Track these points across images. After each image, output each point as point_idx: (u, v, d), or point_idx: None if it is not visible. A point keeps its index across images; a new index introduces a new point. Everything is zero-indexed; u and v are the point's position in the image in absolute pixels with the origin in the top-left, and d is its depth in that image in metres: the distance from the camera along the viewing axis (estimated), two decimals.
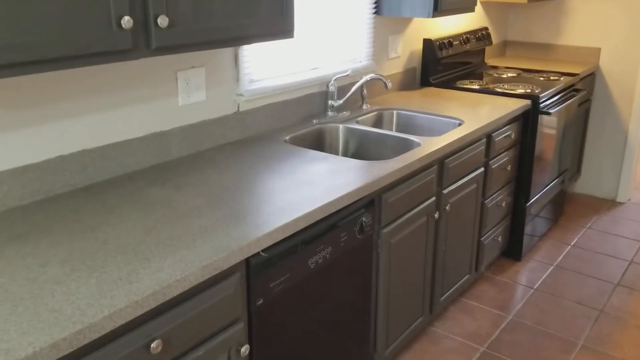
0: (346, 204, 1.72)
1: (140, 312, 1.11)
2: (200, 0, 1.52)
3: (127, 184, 1.73)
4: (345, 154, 2.52)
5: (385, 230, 2.00)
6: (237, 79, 2.18)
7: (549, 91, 3.10)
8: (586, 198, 4.03)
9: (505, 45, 4.24)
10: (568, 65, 3.82)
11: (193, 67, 1.99)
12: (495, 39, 4.09)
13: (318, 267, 1.66)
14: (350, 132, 2.50)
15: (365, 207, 1.87)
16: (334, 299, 1.79)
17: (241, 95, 2.20)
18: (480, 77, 3.51)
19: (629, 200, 3.99)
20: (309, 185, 1.75)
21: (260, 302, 1.44)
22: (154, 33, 1.42)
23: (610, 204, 3.94)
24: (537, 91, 3.06)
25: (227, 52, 2.12)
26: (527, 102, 2.94)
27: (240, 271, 1.38)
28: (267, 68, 2.36)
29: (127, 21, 1.34)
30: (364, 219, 1.86)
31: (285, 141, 2.25)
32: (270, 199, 1.63)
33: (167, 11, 1.44)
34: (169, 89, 1.93)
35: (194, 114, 2.04)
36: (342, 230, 1.75)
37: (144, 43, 1.42)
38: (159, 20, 1.42)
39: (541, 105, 2.99)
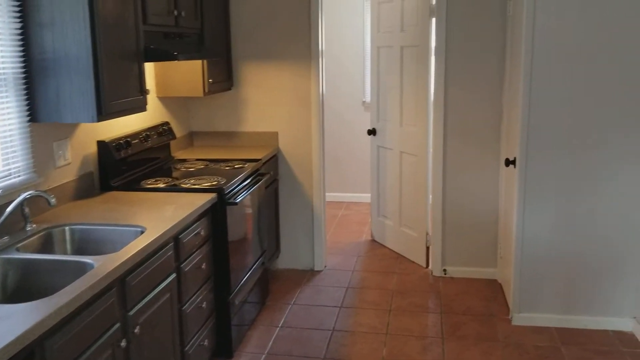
0: None
1: None
2: None
3: None
4: (4, 294, 2.08)
5: None
6: None
7: (234, 180, 3.16)
8: (289, 272, 4.22)
9: (192, 136, 4.28)
10: (253, 150, 4.02)
11: None
12: (181, 131, 4.09)
13: None
14: (8, 263, 2.09)
15: None
16: None
17: None
18: (168, 172, 3.42)
19: (325, 267, 4.32)
20: None
21: None
22: None
23: (310, 274, 4.20)
24: (222, 182, 3.09)
25: None
26: (213, 195, 2.93)
27: None
28: None
29: None
30: None
31: None
32: None
33: None
34: None
35: None
36: None
37: None
38: None
39: (227, 195, 3.01)
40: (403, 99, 4.41)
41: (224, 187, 3.01)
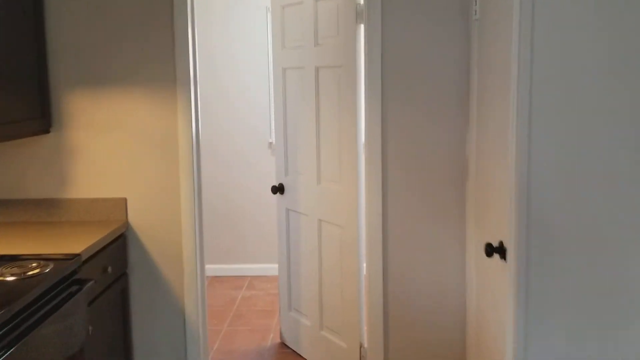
0: None
1: None
2: None
3: None
4: None
5: None
6: None
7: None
8: None
9: None
10: (82, 229, 2.48)
11: None
12: None
13: None
14: None
15: None
16: None
17: None
18: None
19: None
20: None
21: None
22: None
23: None
24: None
25: None
26: None
27: None
28: None
29: None
30: None
31: None
32: None
33: None
34: None
35: None
36: None
37: None
38: None
39: None
40: (321, 143, 3.03)
41: None
